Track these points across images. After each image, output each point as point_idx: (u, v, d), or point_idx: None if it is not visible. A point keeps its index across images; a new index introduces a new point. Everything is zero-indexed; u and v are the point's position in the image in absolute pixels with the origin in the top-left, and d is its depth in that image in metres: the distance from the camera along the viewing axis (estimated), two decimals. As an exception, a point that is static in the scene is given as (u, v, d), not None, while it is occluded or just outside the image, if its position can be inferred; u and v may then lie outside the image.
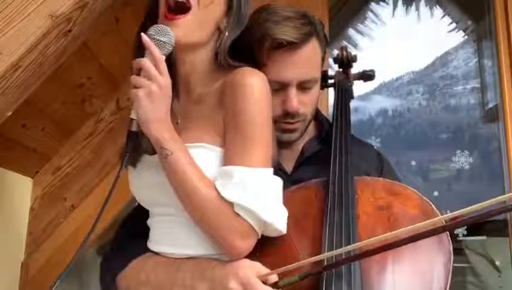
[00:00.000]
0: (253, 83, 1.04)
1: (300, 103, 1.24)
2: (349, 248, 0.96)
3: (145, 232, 1.15)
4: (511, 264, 2.25)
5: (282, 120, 1.24)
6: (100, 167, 2.00)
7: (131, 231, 1.21)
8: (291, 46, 1.20)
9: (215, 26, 1.12)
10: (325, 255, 0.97)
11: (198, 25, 1.08)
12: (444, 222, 0.90)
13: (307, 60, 1.23)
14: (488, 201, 0.78)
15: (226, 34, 1.12)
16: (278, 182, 1.05)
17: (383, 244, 0.90)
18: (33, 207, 1.97)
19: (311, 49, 1.24)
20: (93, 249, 2.12)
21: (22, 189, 1.94)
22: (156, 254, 1.11)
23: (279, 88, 1.22)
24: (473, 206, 0.79)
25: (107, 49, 1.84)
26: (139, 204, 1.22)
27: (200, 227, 1.03)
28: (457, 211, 0.82)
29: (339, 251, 0.96)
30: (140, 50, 1.06)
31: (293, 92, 1.22)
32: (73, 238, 1.94)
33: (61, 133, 1.95)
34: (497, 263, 2.29)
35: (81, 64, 1.77)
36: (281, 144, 1.26)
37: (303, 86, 1.24)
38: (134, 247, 1.14)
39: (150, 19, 1.12)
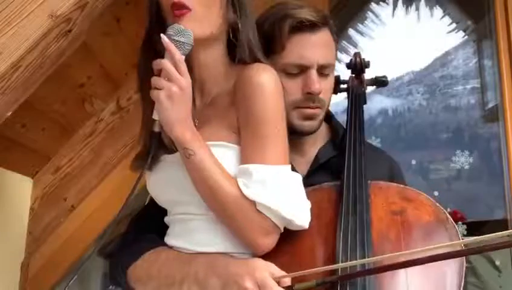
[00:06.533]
0: (263, 80, 1.04)
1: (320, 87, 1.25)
2: (370, 260, 0.97)
3: (156, 229, 1.16)
4: (511, 264, 2.25)
5: (303, 104, 1.24)
6: (100, 167, 2.00)
7: (142, 228, 1.21)
8: (312, 27, 1.23)
9: (222, 19, 1.11)
10: (342, 264, 0.98)
11: (207, 16, 1.08)
12: (462, 246, 0.95)
13: (325, 44, 1.26)
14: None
15: (239, 25, 1.12)
16: (297, 177, 1.06)
17: (401, 262, 0.91)
18: (33, 207, 1.96)
19: (329, 35, 1.27)
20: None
21: (22, 189, 1.94)
22: (171, 248, 1.11)
23: (298, 72, 1.24)
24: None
25: (107, 49, 1.84)
26: (149, 203, 1.22)
27: (224, 224, 1.04)
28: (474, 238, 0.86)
29: (358, 261, 0.97)
30: (149, 52, 1.07)
31: (314, 73, 1.23)
32: (73, 238, 1.94)
33: (61, 133, 1.95)
34: (497, 263, 2.29)
35: (81, 64, 1.77)
36: (297, 148, 1.26)
37: (322, 72, 1.25)
38: (146, 241, 1.15)
39: (155, 23, 1.12)
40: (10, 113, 1.29)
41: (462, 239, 1.03)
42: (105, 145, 2.01)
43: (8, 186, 1.85)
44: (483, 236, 0.81)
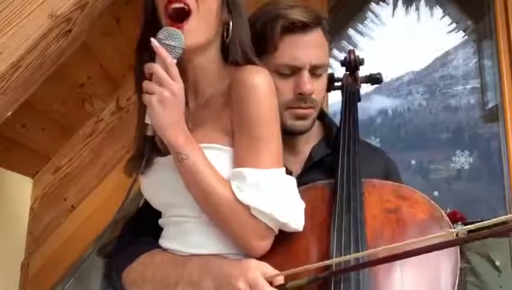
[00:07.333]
0: (257, 82, 1.04)
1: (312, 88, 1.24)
2: (360, 254, 0.96)
3: (151, 231, 1.15)
4: (511, 264, 2.25)
5: (295, 105, 1.23)
6: (100, 167, 2.00)
7: (137, 230, 1.21)
8: (304, 28, 1.21)
9: (216, 21, 1.10)
10: (335, 260, 0.97)
11: (202, 26, 1.08)
12: (455, 235, 0.94)
13: (318, 44, 1.24)
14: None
15: (231, 25, 1.11)
16: (291, 181, 1.06)
17: (394, 254, 0.90)
18: (33, 207, 1.96)
19: (321, 35, 1.26)
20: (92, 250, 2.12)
21: (22, 189, 1.94)
22: (165, 250, 1.11)
23: (291, 73, 1.22)
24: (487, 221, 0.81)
25: (107, 49, 1.84)
26: (143, 205, 1.22)
27: (218, 227, 1.04)
28: (471, 225, 0.85)
29: (349, 257, 0.96)
30: (144, 54, 1.06)
31: (306, 74, 1.22)
32: (73, 238, 1.94)
33: (61, 133, 1.95)
34: (497, 263, 2.29)
35: (81, 64, 1.77)
36: (290, 147, 1.26)
37: (314, 72, 1.24)
38: (141, 244, 1.15)
39: (150, 24, 1.11)
40: (10, 113, 1.29)
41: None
42: (105, 145, 2.01)
43: (8, 186, 1.85)
44: (479, 223, 0.81)
